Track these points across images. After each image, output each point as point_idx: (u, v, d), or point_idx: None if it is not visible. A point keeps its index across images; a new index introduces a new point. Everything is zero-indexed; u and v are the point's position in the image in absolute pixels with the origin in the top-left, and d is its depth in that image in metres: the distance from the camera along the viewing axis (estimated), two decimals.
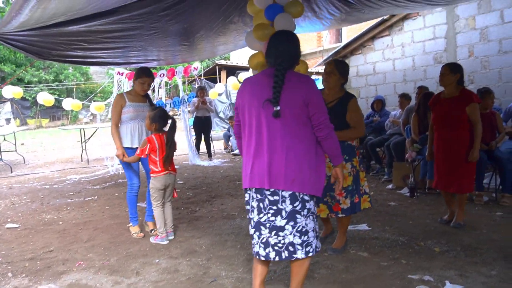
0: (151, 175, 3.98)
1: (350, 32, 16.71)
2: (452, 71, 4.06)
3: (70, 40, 5.67)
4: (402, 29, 9.03)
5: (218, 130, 16.21)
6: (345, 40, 14.91)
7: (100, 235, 4.32)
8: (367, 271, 3.09)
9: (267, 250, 2.34)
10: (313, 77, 14.98)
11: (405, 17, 8.88)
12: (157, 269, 3.32)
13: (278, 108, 2.23)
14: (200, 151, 10.02)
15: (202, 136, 9.85)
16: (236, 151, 10.45)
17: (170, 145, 3.97)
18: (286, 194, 2.28)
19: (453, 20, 8.11)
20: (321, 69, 15.44)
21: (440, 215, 4.48)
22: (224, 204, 5.49)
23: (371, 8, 6.02)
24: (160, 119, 3.93)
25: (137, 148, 4.09)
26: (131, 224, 4.32)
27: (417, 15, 8.68)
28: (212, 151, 10.24)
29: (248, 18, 6.18)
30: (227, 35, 7.15)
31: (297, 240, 2.30)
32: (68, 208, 5.68)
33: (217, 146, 12.00)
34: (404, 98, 7.07)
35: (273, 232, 2.31)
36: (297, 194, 2.29)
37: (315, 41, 20.12)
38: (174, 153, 4.14)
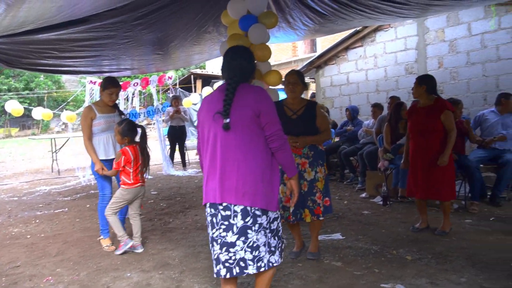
0: (122, 186, 3.92)
1: (325, 42, 16.93)
2: (419, 83, 4.23)
3: (41, 48, 5.55)
4: (375, 40, 9.21)
5: (193, 140, 16.10)
6: (320, 50, 15.10)
7: (69, 249, 4.20)
8: (341, 281, 3.10)
9: (218, 267, 2.29)
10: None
11: (377, 29, 9.05)
12: (129, 283, 3.25)
13: (228, 120, 2.22)
14: (175, 160, 9.92)
15: (177, 146, 9.77)
16: None
17: (145, 154, 3.94)
18: (237, 208, 2.24)
19: (424, 32, 8.32)
20: None
21: (412, 223, 4.54)
22: (198, 215, 5.43)
23: (344, 19, 6.11)
24: (129, 132, 3.90)
25: (112, 159, 4.04)
26: (102, 236, 4.22)
27: (388, 26, 8.86)
28: (186, 161, 10.15)
29: (222, 28, 6.20)
30: (202, 45, 7.13)
31: (248, 256, 2.25)
32: (37, 220, 5.51)
33: (192, 155, 11.91)
34: (376, 107, 7.19)
35: (224, 249, 2.26)
36: (249, 208, 2.24)
37: (290, 51, 20.30)
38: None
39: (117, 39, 5.77)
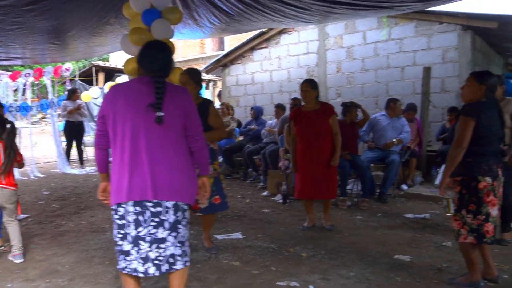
0: None
1: (233, 41, 17.05)
2: (313, 88, 4.43)
3: None
4: (279, 43, 9.49)
5: (93, 135, 15.27)
6: (228, 48, 15.20)
7: None
8: (239, 281, 3.13)
9: (146, 266, 2.24)
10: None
11: (282, 31, 9.34)
12: None
13: (162, 114, 2.20)
14: (71, 158, 9.32)
15: (74, 142, 9.19)
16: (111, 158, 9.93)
17: (9, 153, 3.55)
18: (169, 204, 2.27)
19: (324, 37, 8.76)
20: (204, 76, 15.50)
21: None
22: (94, 216, 5.15)
23: (250, 20, 6.20)
24: None
25: None
26: None
27: (292, 30, 9.19)
28: (84, 158, 9.60)
29: (125, 20, 5.93)
30: (103, 37, 6.79)
31: (178, 251, 2.30)
32: None
33: (91, 152, 11.28)
34: (279, 108, 7.39)
35: (154, 246, 2.24)
36: (180, 203, 2.31)
37: (198, 47, 20.19)
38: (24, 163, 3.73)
39: (5, 24, 5.25)
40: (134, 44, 4.59)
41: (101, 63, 19.00)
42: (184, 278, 2.38)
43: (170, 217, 2.26)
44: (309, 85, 4.43)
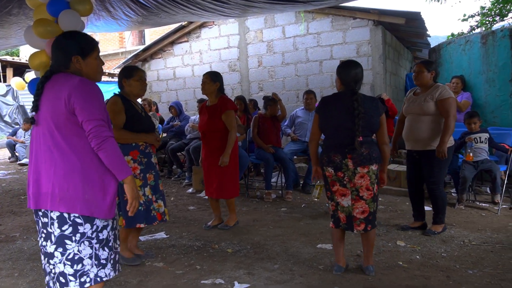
0: None
1: (154, 34, 16.59)
2: (212, 80, 4.11)
3: None
4: (200, 37, 9.35)
5: (3, 136, 14.09)
6: (149, 42, 14.74)
7: None
8: (162, 283, 3.02)
9: (47, 278, 2.08)
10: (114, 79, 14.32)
11: (202, 25, 9.21)
12: None
13: (33, 113, 2.06)
14: None
15: None
16: (24, 161, 9.24)
17: None
18: (54, 215, 1.98)
19: (245, 31, 8.77)
20: None
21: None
22: (3, 224, 4.73)
23: (168, 13, 6.03)
24: None
25: None
26: None
27: (213, 24, 9.10)
28: None
29: (31, 11, 5.50)
30: (6, 28, 6.26)
31: (69, 270, 2.00)
32: None
33: (1, 155, 10.42)
34: (202, 103, 7.28)
35: (46, 259, 2.04)
36: (66, 215, 1.98)
37: (117, 42, 19.39)
38: None
39: None
40: (39, 36, 4.27)
41: (9, 58, 17.62)
42: None
43: (55, 230, 1.98)
44: (208, 77, 4.12)
